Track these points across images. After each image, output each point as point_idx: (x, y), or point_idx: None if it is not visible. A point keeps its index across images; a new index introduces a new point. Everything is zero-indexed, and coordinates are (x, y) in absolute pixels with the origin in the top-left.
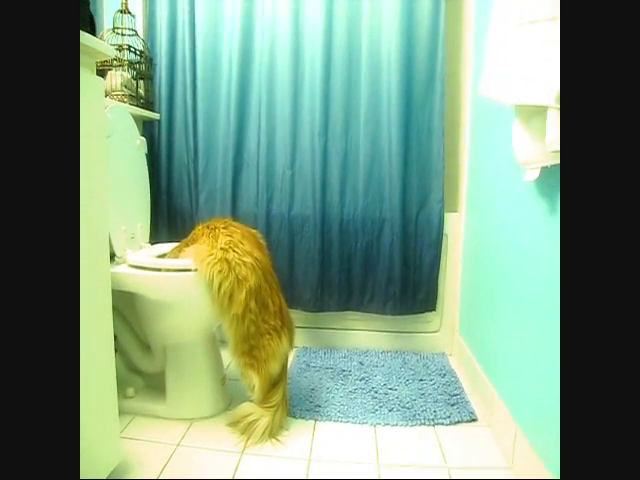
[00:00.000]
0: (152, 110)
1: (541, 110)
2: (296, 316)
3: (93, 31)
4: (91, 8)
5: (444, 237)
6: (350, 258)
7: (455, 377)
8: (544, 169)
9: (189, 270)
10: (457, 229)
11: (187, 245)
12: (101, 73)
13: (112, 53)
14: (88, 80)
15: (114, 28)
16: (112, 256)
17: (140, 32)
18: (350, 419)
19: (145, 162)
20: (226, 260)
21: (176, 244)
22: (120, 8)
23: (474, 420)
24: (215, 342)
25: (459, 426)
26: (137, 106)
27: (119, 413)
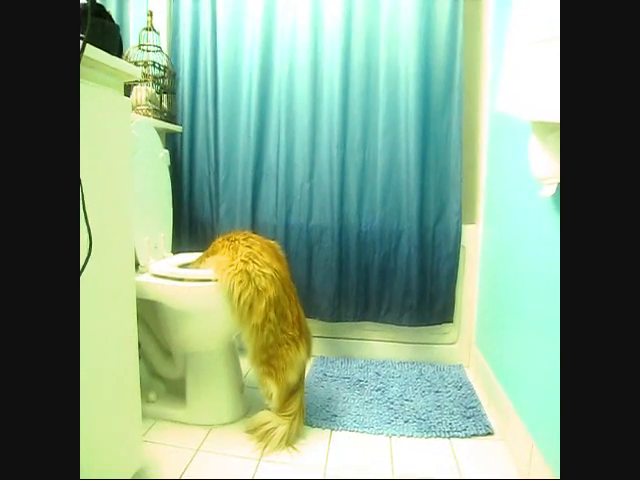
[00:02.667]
0: (175, 123)
1: (557, 127)
2: (313, 325)
3: (120, 53)
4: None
5: (461, 249)
6: (367, 269)
7: (471, 390)
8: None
9: (210, 280)
10: (474, 241)
11: (208, 256)
12: (127, 88)
13: (138, 74)
14: (116, 100)
15: (140, 45)
16: (136, 265)
17: (164, 48)
18: (366, 429)
19: (168, 174)
20: (246, 271)
21: (198, 254)
22: (146, 26)
23: (490, 434)
24: (234, 350)
25: (475, 439)
26: (160, 119)
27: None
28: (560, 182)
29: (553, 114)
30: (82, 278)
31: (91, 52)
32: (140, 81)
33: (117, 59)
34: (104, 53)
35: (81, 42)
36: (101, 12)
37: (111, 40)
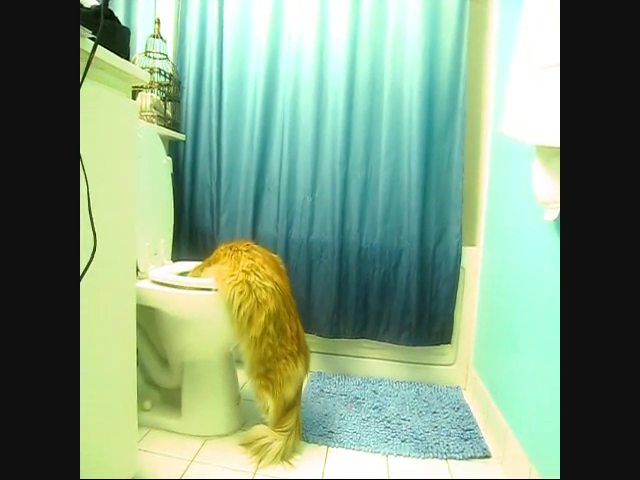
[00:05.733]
0: (178, 131)
1: None
2: (311, 341)
3: (128, 58)
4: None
5: (461, 270)
6: (367, 286)
7: (469, 412)
8: None
9: (210, 289)
10: (474, 263)
11: (209, 265)
12: (132, 94)
13: (147, 79)
14: (124, 103)
15: (146, 52)
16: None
17: (170, 56)
18: (362, 447)
19: (170, 181)
20: (247, 282)
21: (198, 263)
22: (153, 33)
23: (487, 456)
24: (232, 362)
25: (472, 461)
26: (164, 127)
27: None
28: (560, 205)
29: (557, 139)
30: (83, 281)
31: (102, 54)
32: (145, 87)
33: (127, 62)
34: (114, 56)
35: (92, 43)
36: (112, 16)
37: (121, 43)
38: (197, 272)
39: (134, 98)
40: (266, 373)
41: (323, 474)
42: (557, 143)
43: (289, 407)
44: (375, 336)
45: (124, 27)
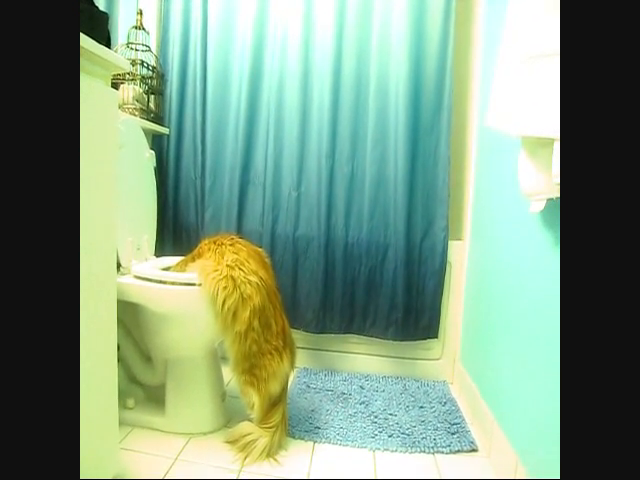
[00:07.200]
0: (162, 124)
1: (548, 142)
2: (297, 336)
3: (108, 46)
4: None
5: (448, 265)
6: (353, 281)
7: (456, 406)
8: (550, 201)
9: (193, 284)
10: (461, 257)
11: (193, 259)
12: (114, 86)
13: (127, 67)
14: (103, 92)
15: (128, 43)
16: (117, 266)
17: (153, 48)
18: (349, 442)
19: (153, 175)
20: (232, 277)
21: (182, 258)
22: (135, 24)
23: (474, 450)
24: (216, 358)
25: (459, 455)
26: (147, 120)
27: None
28: (560, 195)
29: (544, 129)
30: None
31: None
32: (128, 79)
33: (105, 49)
34: (92, 41)
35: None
36: (90, 1)
37: (100, 29)
38: (181, 267)
39: (116, 89)
40: (251, 369)
41: (309, 470)
42: (544, 134)
43: (275, 403)
44: (362, 331)
45: (102, 12)
